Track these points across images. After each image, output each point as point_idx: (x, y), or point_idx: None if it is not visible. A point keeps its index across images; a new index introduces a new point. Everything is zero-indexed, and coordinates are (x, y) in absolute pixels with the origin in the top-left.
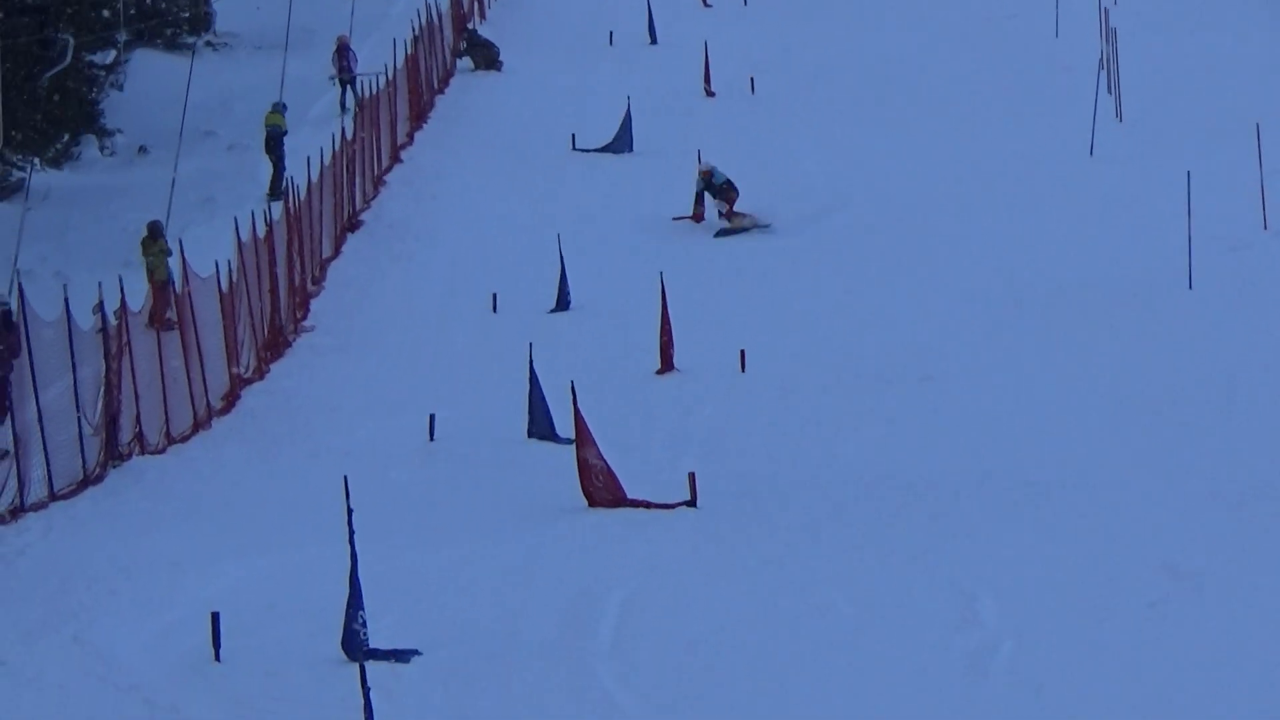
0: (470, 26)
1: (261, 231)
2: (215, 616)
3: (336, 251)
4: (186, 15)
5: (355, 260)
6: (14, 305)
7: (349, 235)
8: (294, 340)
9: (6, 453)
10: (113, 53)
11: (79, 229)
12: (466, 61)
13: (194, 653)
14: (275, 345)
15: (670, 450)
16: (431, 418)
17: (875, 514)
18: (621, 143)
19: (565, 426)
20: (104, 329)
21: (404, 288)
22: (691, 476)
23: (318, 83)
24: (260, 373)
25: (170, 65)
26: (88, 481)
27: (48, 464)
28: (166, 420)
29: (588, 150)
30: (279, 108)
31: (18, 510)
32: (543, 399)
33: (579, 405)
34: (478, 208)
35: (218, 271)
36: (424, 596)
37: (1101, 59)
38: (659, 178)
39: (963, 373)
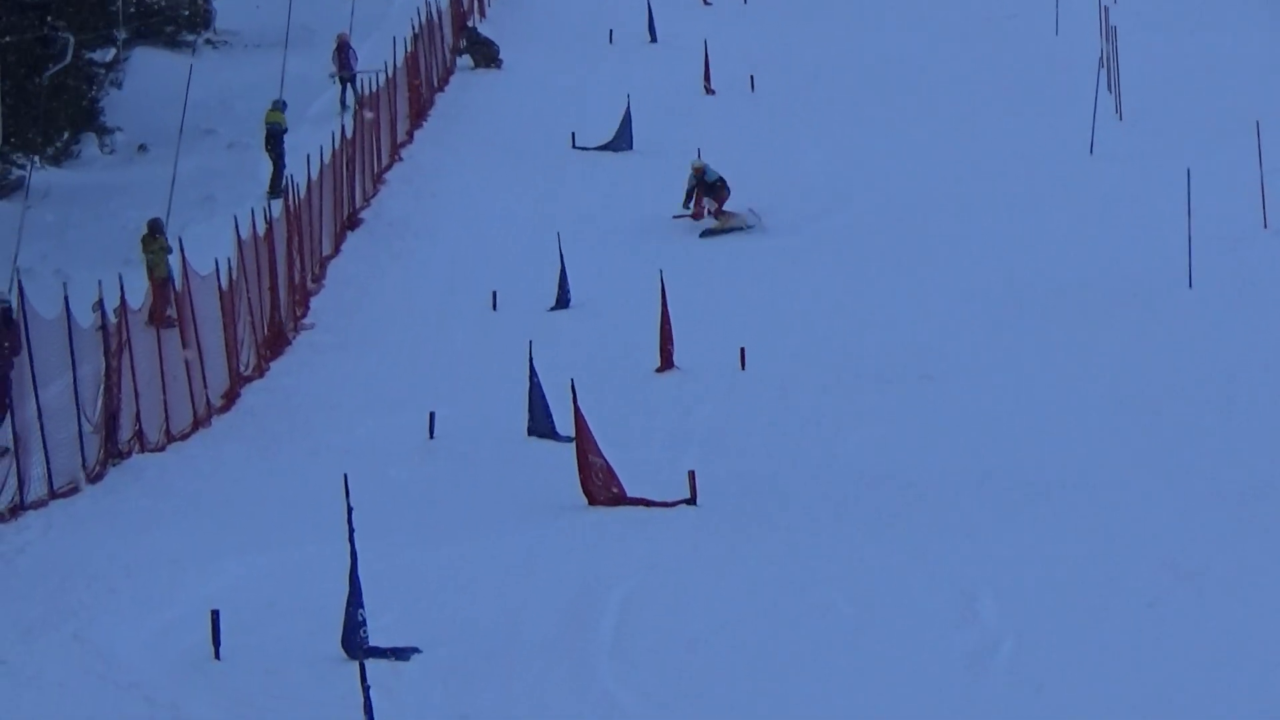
0: (470, 24)
1: (261, 229)
2: (215, 614)
3: (336, 249)
4: (186, 13)
5: (355, 258)
6: (14, 303)
7: (349, 233)
8: (294, 338)
9: (6, 450)
10: (112, 51)
11: (79, 227)
12: (466, 59)
13: (194, 650)
14: (275, 343)
15: (670, 448)
16: (431, 415)
17: (875, 512)
18: (621, 141)
19: (565, 424)
20: (104, 327)
21: (404, 286)
22: (691, 475)
23: (318, 81)
24: (260, 370)
25: (170, 63)
26: (88, 479)
27: (47, 462)
28: (166, 418)
29: (588, 148)
30: (279, 105)
31: (17, 508)
32: (543, 397)
33: (579, 403)
34: (478, 206)
35: (217, 269)
36: (424, 594)
37: (1101, 57)
38: (659, 176)
39: (963, 371)
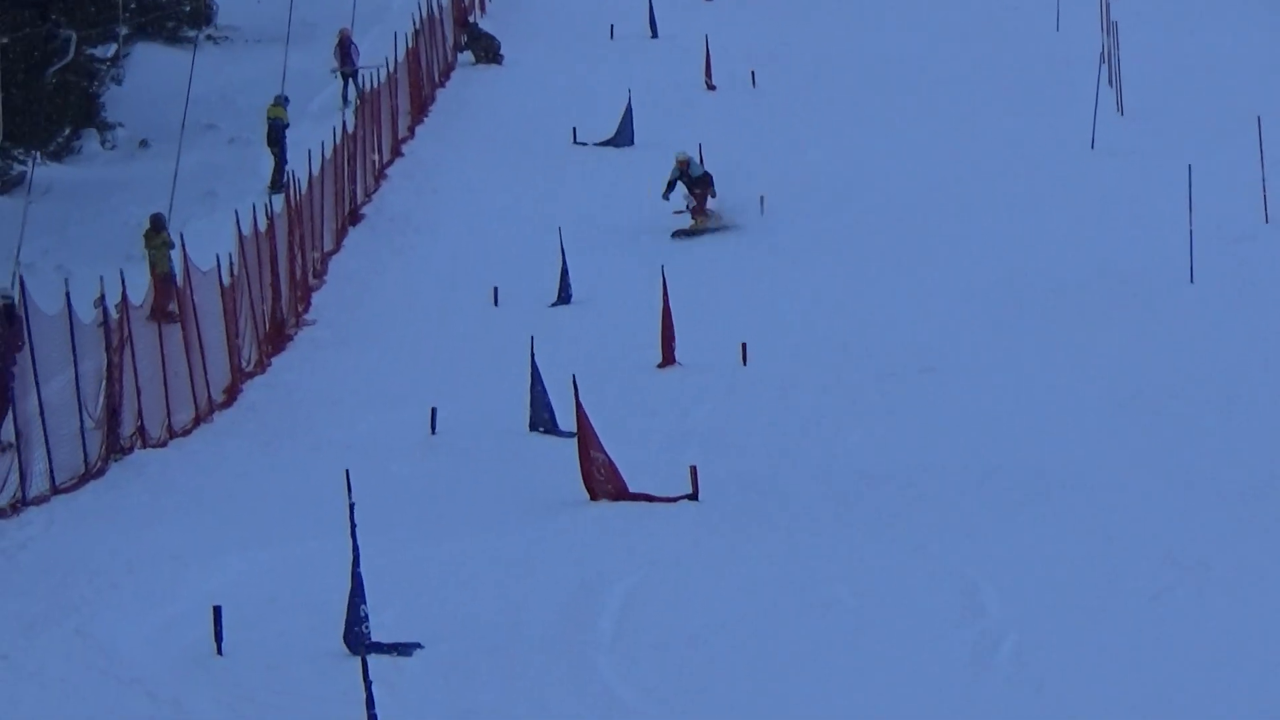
0: (471, 20)
1: (263, 225)
2: (217, 610)
3: (338, 245)
4: (187, 9)
5: (356, 254)
6: (16, 298)
7: (350, 229)
8: (295, 334)
9: (9, 446)
10: (114, 46)
11: (80, 223)
12: (467, 55)
13: (196, 646)
14: (277, 339)
15: (672, 443)
16: (433, 411)
17: (878, 508)
18: (623, 137)
19: (567, 420)
20: (105, 323)
21: (405, 281)
22: (693, 470)
23: (319, 76)
24: (261, 366)
25: (171, 59)
26: (89, 475)
27: (49, 457)
28: (168, 413)
29: (589, 144)
30: (281, 101)
31: (19, 504)
32: (544, 392)
33: (580, 398)
34: (479, 201)
35: (219, 265)
36: (425, 590)
37: (1102, 52)
38: (660, 171)
39: (964, 367)
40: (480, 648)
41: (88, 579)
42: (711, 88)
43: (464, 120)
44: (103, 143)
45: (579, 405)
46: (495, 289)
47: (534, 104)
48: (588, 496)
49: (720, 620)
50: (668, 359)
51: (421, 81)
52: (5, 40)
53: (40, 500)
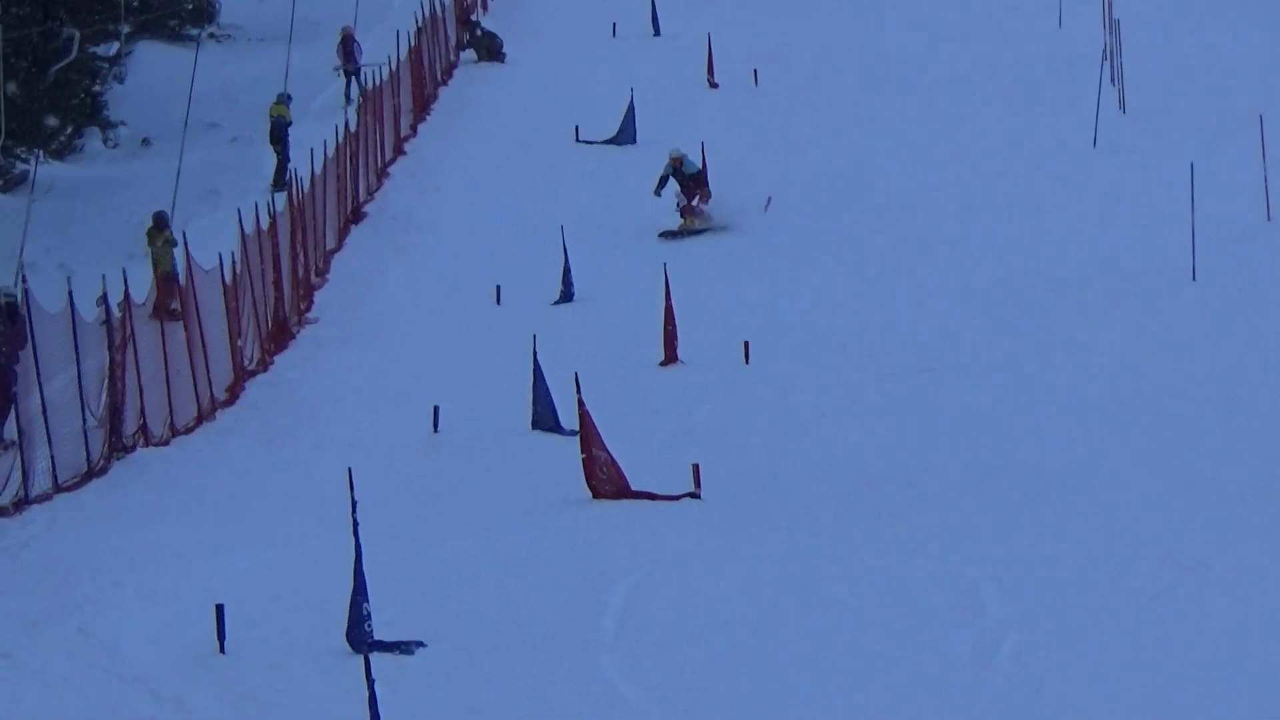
0: (473, 18)
1: (265, 223)
2: (220, 608)
3: (340, 243)
4: (190, 7)
5: (359, 252)
6: (19, 297)
7: (353, 227)
8: (298, 332)
9: (11, 444)
10: (116, 45)
11: (83, 221)
12: (470, 53)
13: (198, 644)
14: (279, 337)
15: (674, 442)
16: (435, 409)
17: (879, 507)
18: (625, 135)
19: (569, 418)
20: (108, 321)
21: (407, 279)
22: (695, 468)
23: (322, 74)
24: (264, 364)
25: (174, 57)
26: (92, 473)
27: (52, 456)
28: (170, 412)
29: (591, 142)
30: (284, 99)
31: (22, 502)
32: (546, 391)
33: (583, 397)
34: (481, 200)
35: (221, 264)
36: (428, 588)
37: (1105, 50)
38: (659, 170)
39: (965, 366)
40: (483, 646)
41: (90, 577)
42: (714, 86)
43: (466, 119)
44: (105, 141)
45: (581, 403)
46: (498, 287)
47: (536, 102)
48: (590, 495)
49: (722, 619)
50: (670, 357)
51: (424, 80)
52: (9, 35)
53: (43, 498)
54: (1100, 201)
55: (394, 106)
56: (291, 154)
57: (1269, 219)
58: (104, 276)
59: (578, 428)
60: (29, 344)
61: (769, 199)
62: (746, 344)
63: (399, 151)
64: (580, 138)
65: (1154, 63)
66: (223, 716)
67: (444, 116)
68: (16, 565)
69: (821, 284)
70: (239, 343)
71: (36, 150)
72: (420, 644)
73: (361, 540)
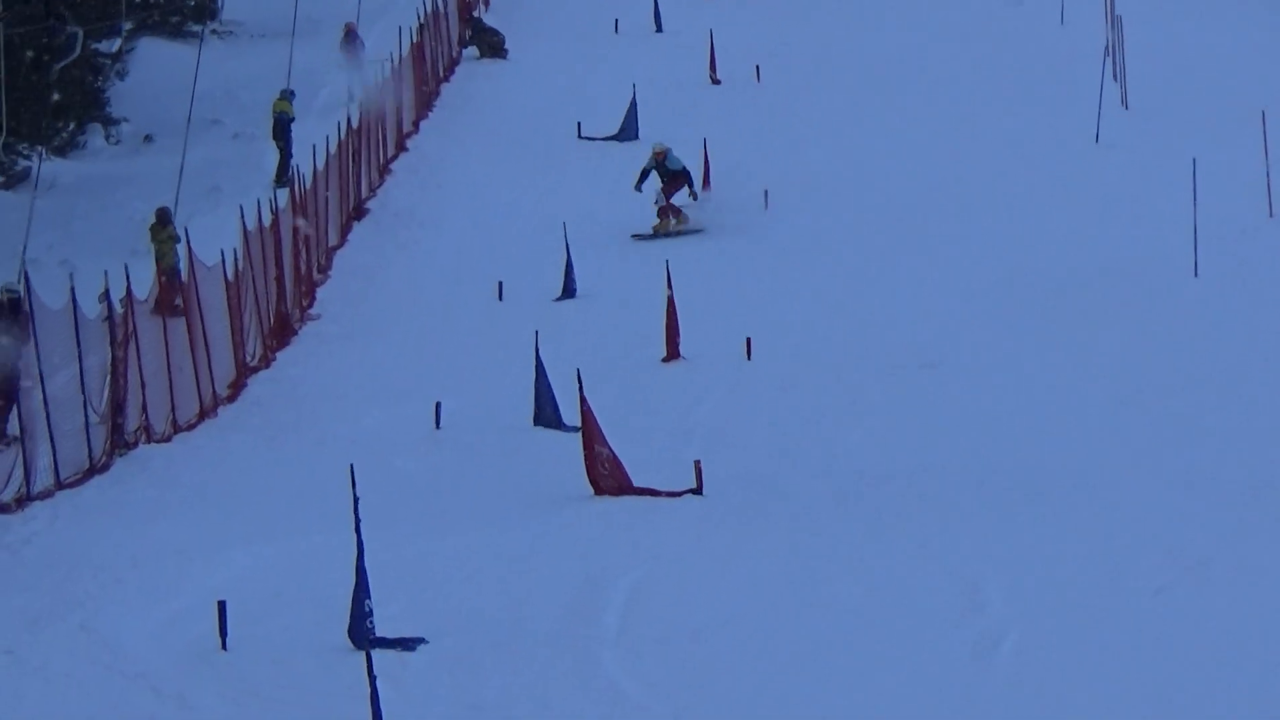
0: (476, 15)
1: (267, 220)
2: (222, 605)
3: (343, 240)
4: (192, 3)
5: (361, 249)
6: (21, 293)
7: (355, 223)
8: (300, 328)
9: (14, 439)
10: (117, 41)
11: (85, 218)
12: (472, 50)
13: (200, 641)
14: (281, 333)
15: (676, 438)
16: (437, 406)
17: (881, 503)
18: (627, 132)
19: (571, 414)
20: (110, 317)
21: (410, 276)
22: (697, 464)
23: (324, 70)
24: (266, 361)
25: (176, 54)
26: (94, 470)
27: (54, 452)
28: (173, 408)
29: (594, 139)
30: (287, 95)
31: (24, 499)
32: (549, 387)
33: (585, 393)
34: (483, 196)
35: (223, 260)
36: (430, 585)
37: (1107, 47)
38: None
39: (968, 363)
40: (485, 642)
41: (92, 574)
42: (716, 83)
43: (468, 115)
44: (107, 138)
45: (583, 400)
46: (500, 284)
47: (538, 99)
48: (592, 491)
49: (724, 616)
50: (672, 354)
51: (426, 76)
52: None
53: (45, 495)
54: (1102, 198)
55: (396, 103)
56: (294, 150)
57: (1271, 215)
58: (106, 273)
59: (579, 424)
60: (32, 340)
61: (765, 192)
62: (749, 341)
63: (401, 148)
64: (582, 134)
65: (1156, 59)
66: (225, 713)
67: (446, 113)
68: (18, 562)
69: (823, 280)
70: (241, 338)
71: (39, 147)
72: (422, 640)
73: (363, 536)
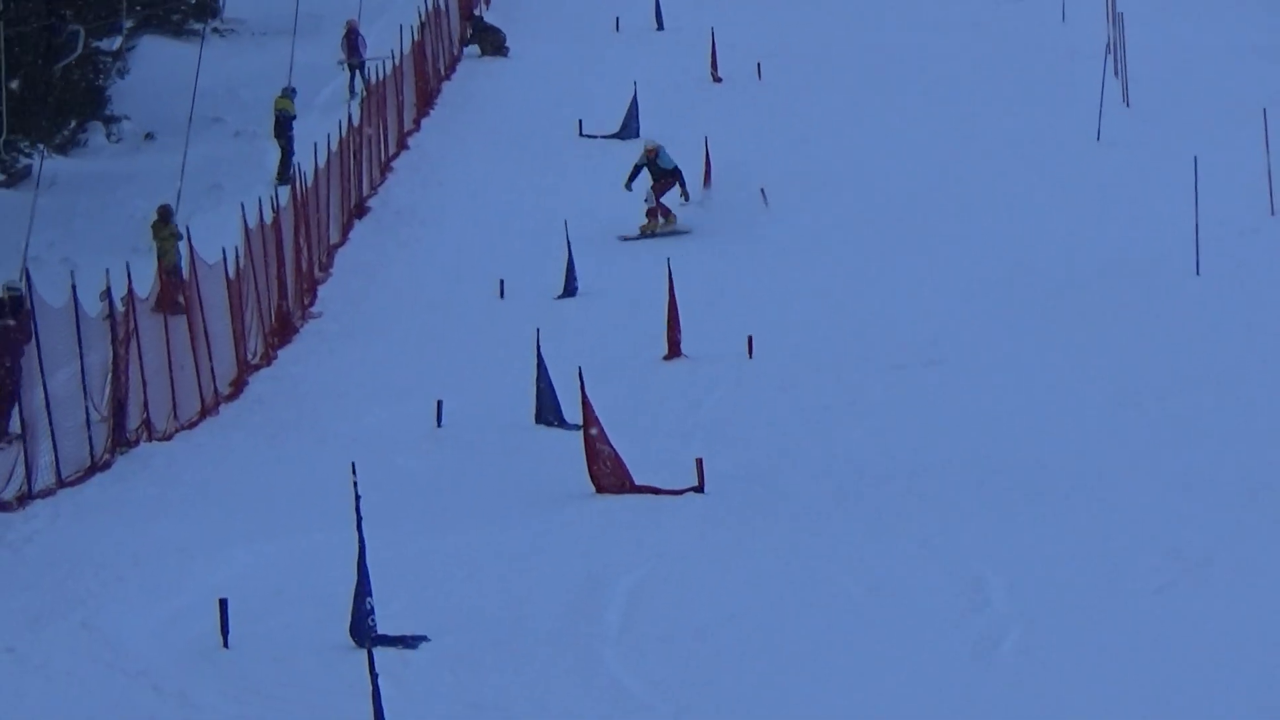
0: (477, 13)
1: (269, 218)
2: (223, 603)
3: (344, 238)
4: (193, 1)
5: (362, 247)
6: (23, 291)
7: (356, 221)
8: (301, 326)
9: (16, 436)
10: (118, 39)
11: (86, 216)
12: (473, 48)
13: (202, 639)
14: (283, 331)
15: (678, 436)
16: (439, 404)
17: (882, 502)
18: (628, 129)
19: (573, 412)
20: (111, 315)
21: (411, 274)
22: (699, 462)
23: (325, 68)
24: (267, 359)
25: (177, 52)
26: (95, 468)
27: (55, 450)
28: (174, 406)
29: (595, 137)
30: (289, 92)
31: (25, 497)
32: (550, 385)
33: (586, 391)
34: (484, 194)
35: (225, 258)
36: (431, 583)
37: (1108, 44)
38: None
39: (970, 358)
40: (486, 640)
41: (93, 572)
42: (717, 81)
43: (470, 113)
44: (108, 136)
45: (585, 398)
46: (501, 282)
47: (539, 97)
48: (593, 489)
49: (726, 613)
50: (673, 352)
51: (427, 74)
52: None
53: (46, 493)
54: (1103, 196)
55: (397, 101)
56: (295, 148)
57: (1273, 213)
58: (107, 271)
59: (581, 422)
60: (33, 339)
61: (762, 190)
62: (750, 338)
63: (402, 146)
64: (584, 132)
65: (1158, 57)
66: (226, 711)
67: (448, 111)
68: (20, 560)
69: (825, 278)
70: (243, 336)
71: (40, 145)
72: (424, 638)
73: (365, 535)
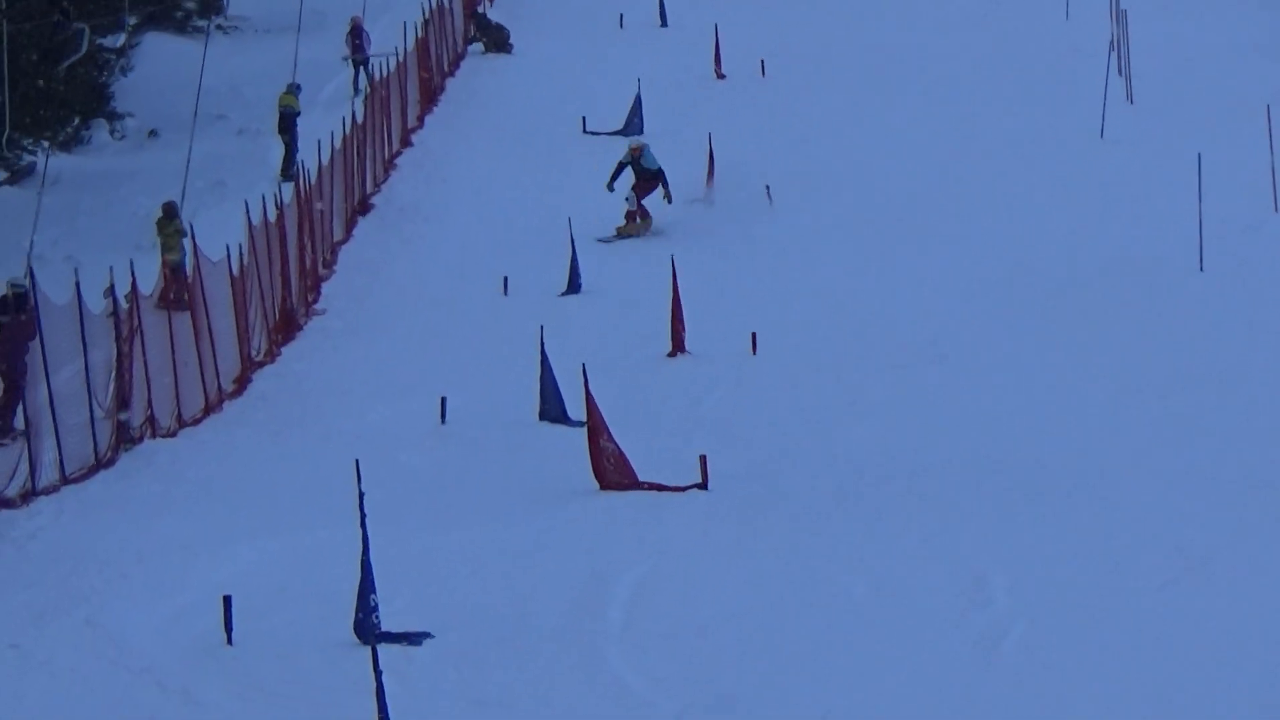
0: (480, 10)
1: (272, 215)
2: (227, 600)
3: (348, 235)
4: None
5: (366, 243)
6: (27, 288)
7: (360, 218)
8: (305, 323)
9: (21, 433)
10: (122, 36)
11: (89, 213)
12: (477, 44)
13: (206, 636)
14: (286, 328)
15: (681, 433)
16: (443, 401)
17: (884, 501)
18: (632, 126)
19: (576, 409)
20: (115, 312)
21: (415, 271)
22: (703, 459)
23: (329, 65)
24: (271, 356)
25: (181, 49)
26: (99, 465)
27: (59, 447)
28: (178, 403)
29: (599, 133)
30: (293, 89)
31: (29, 494)
32: (554, 382)
33: (590, 388)
34: (488, 191)
35: (228, 255)
36: (435, 579)
37: (1112, 41)
38: (669, 161)
39: (972, 357)
40: (490, 637)
41: (97, 569)
42: (721, 77)
43: (473, 110)
44: (112, 133)
45: (588, 395)
46: (505, 278)
47: (543, 94)
48: (597, 486)
49: (729, 610)
50: (677, 349)
51: (431, 71)
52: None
53: (50, 490)
54: (1107, 193)
55: (401, 97)
56: (299, 145)
57: (1276, 210)
58: (111, 268)
59: (585, 419)
60: (38, 336)
61: (767, 188)
62: (754, 335)
63: (406, 143)
64: (587, 129)
65: (1161, 54)
66: (230, 708)
67: (451, 108)
68: (24, 557)
69: (826, 277)
70: (246, 332)
71: (44, 142)
72: (428, 635)
73: (369, 531)
